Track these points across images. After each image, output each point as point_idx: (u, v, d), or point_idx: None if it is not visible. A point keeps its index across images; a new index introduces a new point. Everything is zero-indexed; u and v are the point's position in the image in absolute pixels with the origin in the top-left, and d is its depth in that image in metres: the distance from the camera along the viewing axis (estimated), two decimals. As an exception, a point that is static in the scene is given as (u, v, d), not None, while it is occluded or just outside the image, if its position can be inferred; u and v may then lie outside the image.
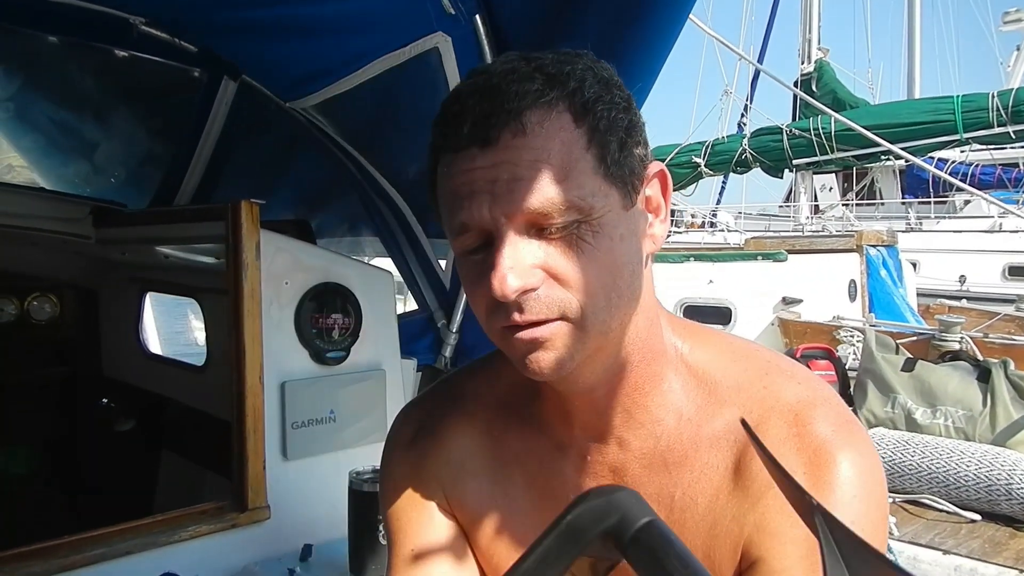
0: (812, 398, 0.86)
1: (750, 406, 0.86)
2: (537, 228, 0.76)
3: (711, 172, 16.46)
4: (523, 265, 0.75)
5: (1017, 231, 14.00)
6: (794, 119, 15.68)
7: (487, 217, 0.76)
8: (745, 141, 15.44)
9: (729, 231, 16.76)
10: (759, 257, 8.74)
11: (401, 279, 2.73)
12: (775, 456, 0.82)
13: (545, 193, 0.74)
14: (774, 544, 0.81)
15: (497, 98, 0.75)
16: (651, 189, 0.84)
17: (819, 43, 17.17)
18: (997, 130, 11.98)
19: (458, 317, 2.55)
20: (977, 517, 3.96)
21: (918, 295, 9.66)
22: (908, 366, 4.96)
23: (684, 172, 16.11)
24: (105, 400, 3.12)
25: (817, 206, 19.30)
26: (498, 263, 0.75)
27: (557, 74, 0.77)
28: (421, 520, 1.00)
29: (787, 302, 8.24)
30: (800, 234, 13.81)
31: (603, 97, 0.78)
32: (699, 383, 0.89)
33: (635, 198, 0.81)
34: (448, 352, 2.60)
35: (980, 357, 5.17)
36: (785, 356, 0.94)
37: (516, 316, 0.77)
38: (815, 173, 17.28)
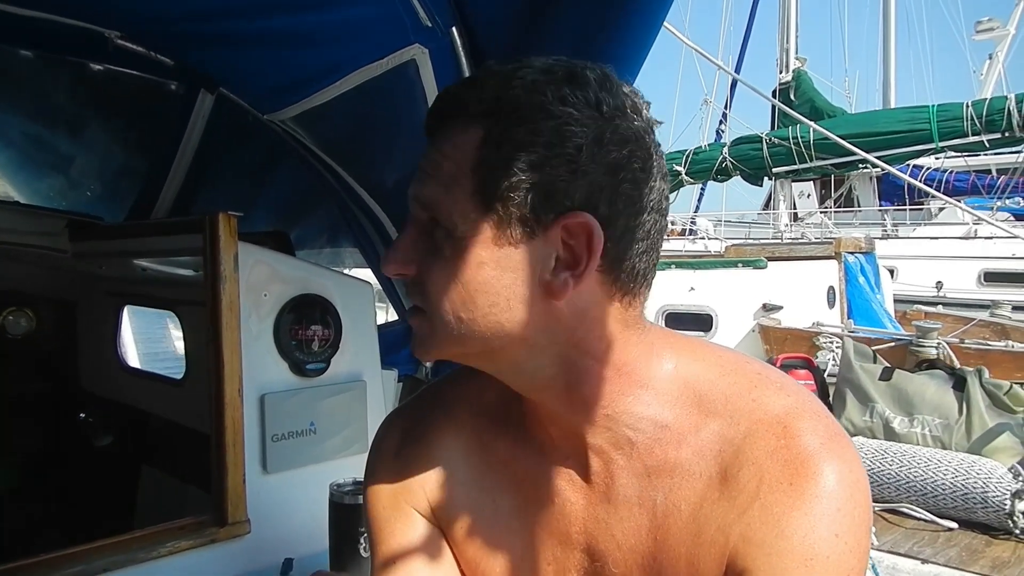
0: (800, 410, 0.86)
1: (738, 418, 0.86)
2: (431, 224, 0.83)
3: (692, 180, 16.54)
4: (404, 250, 0.85)
5: (992, 237, 14.15)
6: (773, 127, 15.80)
7: (410, 194, 0.85)
8: (725, 150, 15.55)
9: (709, 239, 16.86)
10: (739, 264, 8.81)
11: (381, 289, 2.73)
12: (762, 468, 0.84)
13: (423, 186, 0.83)
14: (759, 555, 0.81)
15: (449, 100, 0.85)
16: (574, 240, 0.82)
17: (797, 52, 17.32)
18: (971, 139, 12.11)
19: (438, 328, 2.55)
20: (954, 525, 3.99)
21: (896, 301, 9.76)
22: (886, 375, 5.00)
23: (665, 181, 16.15)
24: (84, 415, 3.09)
25: (796, 213, 19.45)
26: (394, 242, 0.87)
27: (500, 96, 0.81)
28: (405, 529, 1.00)
29: (767, 309, 8.30)
30: (779, 241, 13.92)
31: (533, 132, 0.78)
32: (683, 394, 0.89)
33: (516, 238, 0.81)
34: (429, 363, 2.60)
35: (957, 364, 5.22)
36: (775, 368, 0.95)
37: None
38: (794, 181, 17.42)
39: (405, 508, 1.00)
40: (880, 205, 19.50)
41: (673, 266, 9.05)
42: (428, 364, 2.59)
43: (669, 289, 8.73)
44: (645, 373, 0.89)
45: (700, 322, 8.54)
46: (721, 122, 19.57)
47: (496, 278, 0.82)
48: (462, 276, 0.81)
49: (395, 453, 1.03)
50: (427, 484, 1.00)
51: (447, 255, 0.82)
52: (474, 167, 0.80)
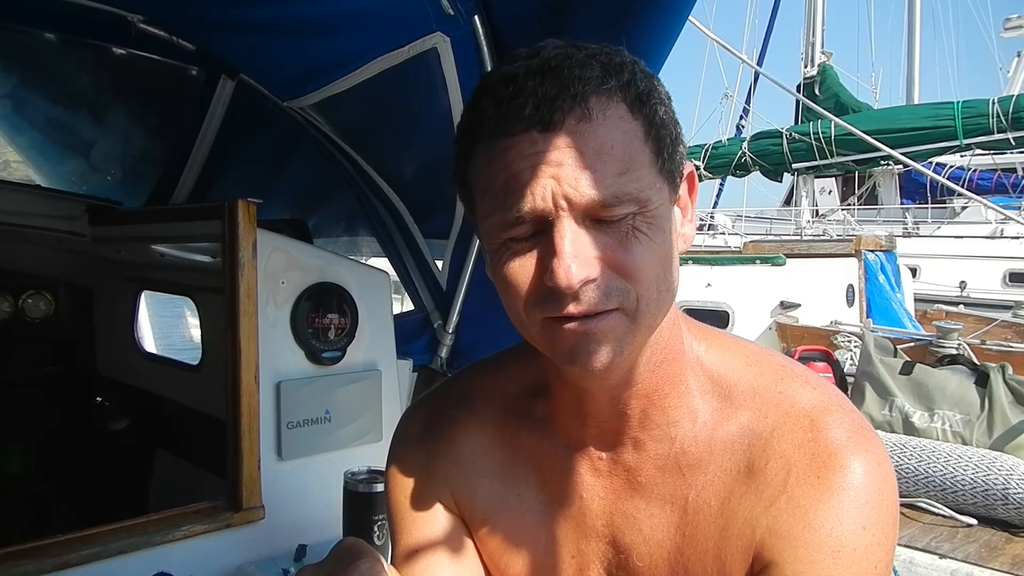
0: (827, 404, 0.86)
1: (766, 410, 0.86)
2: (594, 218, 0.75)
3: (710, 175, 16.45)
4: (586, 254, 0.74)
5: (1018, 237, 13.97)
6: (797, 122, 15.66)
7: (548, 204, 0.73)
8: (745, 144, 15.45)
9: (729, 234, 16.77)
10: (757, 261, 8.73)
11: (397, 279, 2.72)
12: (789, 461, 0.83)
13: (609, 184, 0.73)
14: (787, 548, 0.81)
15: (560, 81, 0.73)
16: (681, 188, 0.84)
17: (822, 47, 17.15)
18: (997, 136, 11.96)
19: (455, 318, 2.55)
20: (974, 521, 3.94)
21: (918, 300, 9.66)
22: (906, 369, 4.94)
23: (683, 174, 16.06)
24: (100, 399, 3.11)
25: (817, 210, 19.29)
26: (561, 251, 0.73)
27: (610, 63, 0.76)
28: (427, 520, 0.99)
29: (785, 306, 8.24)
30: (799, 238, 13.80)
31: (653, 91, 0.78)
32: (714, 386, 0.89)
33: (678, 194, 0.82)
34: (444, 352, 2.59)
35: (977, 362, 5.16)
36: (797, 362, 0.94)
37: (572, 307, 0.74)
38: (816, 177, 17.28)
39: (427, 499, 1.00)
40: (902, 203, 19.31)
41: (690, 261, 8.98)
42: (443, 355, 2.59)
43: (685, 285, 8.66)
44: (684, 359, 0.88)
45: (716, 319, 8.47)
46: (742, 117, 19.44)
47: (674, 241, 0.81)
48: (662, 250, 0.77)
49: (417, 444, 1.02)
50: (450, 476, 0.99)
51: (645, 233, 0.75)
52: (645, 136, 0.76)
